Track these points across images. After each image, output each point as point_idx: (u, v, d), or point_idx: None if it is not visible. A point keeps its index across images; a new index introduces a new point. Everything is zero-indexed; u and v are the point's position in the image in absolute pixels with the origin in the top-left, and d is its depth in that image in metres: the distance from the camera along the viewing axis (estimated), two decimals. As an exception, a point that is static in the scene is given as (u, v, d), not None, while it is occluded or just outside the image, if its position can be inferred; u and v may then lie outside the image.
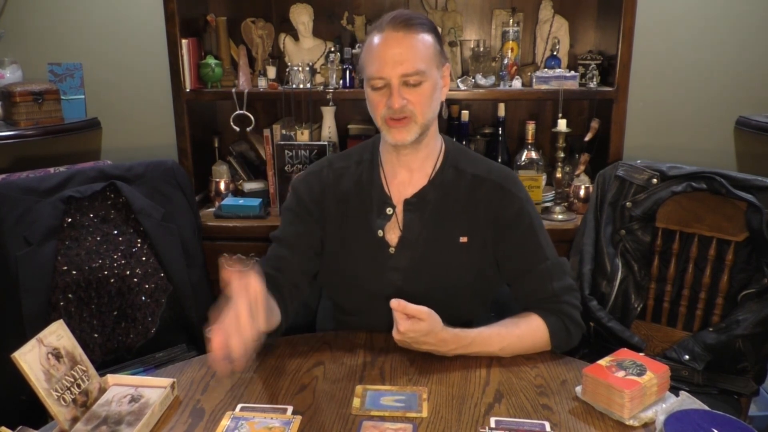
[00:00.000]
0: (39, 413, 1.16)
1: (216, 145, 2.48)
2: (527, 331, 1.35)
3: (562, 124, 2.19)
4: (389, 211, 1.43)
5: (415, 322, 1.24)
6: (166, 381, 1.20)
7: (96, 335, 1.90)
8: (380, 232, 1.43)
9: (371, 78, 1.34)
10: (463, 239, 1.42)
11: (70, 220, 1.89)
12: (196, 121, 2.37)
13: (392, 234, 1.43)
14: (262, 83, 2.31)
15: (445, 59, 1.39)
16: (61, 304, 1.86)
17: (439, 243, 1.42)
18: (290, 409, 1.15)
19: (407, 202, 1.43)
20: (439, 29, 2.39)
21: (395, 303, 1.23)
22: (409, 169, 1.44)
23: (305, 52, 2.42)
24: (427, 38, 1.34)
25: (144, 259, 1.97)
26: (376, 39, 1.34)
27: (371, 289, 1.43)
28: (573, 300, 1.40)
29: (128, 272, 1.94)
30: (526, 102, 2.49)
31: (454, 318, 1.31)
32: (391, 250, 1.43)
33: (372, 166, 1.47)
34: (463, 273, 1.43)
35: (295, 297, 1.42)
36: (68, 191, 1.87)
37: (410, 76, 1.31)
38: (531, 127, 2.24)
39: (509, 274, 1.44)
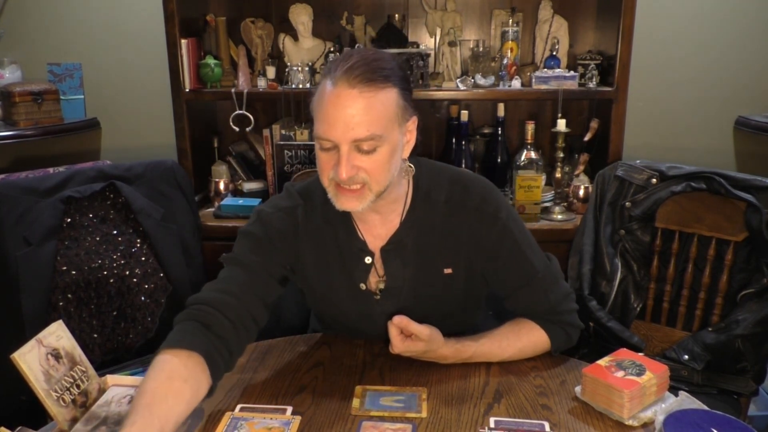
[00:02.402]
0: (38, 414, 1.16)
1: (215, 145, 2.48)
2: (528, 344, 1.33)
3: (561, 124, 2.19)
4: (368, 260, 1.33)
5: (412, 343, 1.24)
6: (165, 381, 1.19)
7: (95, 335, 1.90)
8: (363, 286, 1.34)
9: (318, 137, 1.18)
10: (448, 270, 1.35)
11: (69, 220, 1.89)
12: (196, 121, 2.37)
13: (375, 282, 1.35)
14: (261, 83, 2.31)
15: (411, 113, 1.24)
16: (61, 304, 1.86)
17: (423, 281, 1.35)
18: (290, 409, 1.15)
19: (384, 251, 1.33)
20: (439, 29, 2.42)
21: (398, 319, 1.21)
22: (378, 213, 1.32)
23: (305, 52, 2.42)
24: (389, 95, 1.17)
25: (143, 259, 1.97)
26: (328, 90, 1.16)
27: (361, 330, 1.40)
28: (571, 306, 1.38)
29: (128, 272, 1.94)
30: (525, 102, 2.49)
31: (448, 331, 1.29)
32: (377, 297, 1.36)
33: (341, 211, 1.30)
34: (452, 301, 1.39)
35: (250, 328, 1.26)
36: (68, 191, 1.87)
37: (364, 142, 1.15)
38: (530, 127, 2.24)
39: (502, 291, 1.39)
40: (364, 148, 1.16)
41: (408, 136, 1.25)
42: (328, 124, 1.15)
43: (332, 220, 1.34)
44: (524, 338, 1.33)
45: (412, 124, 1.26)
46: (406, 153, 1.27)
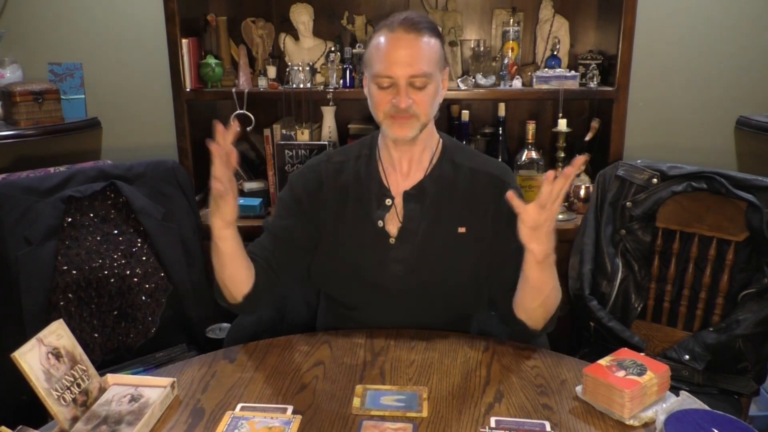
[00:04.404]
0: (39, 413, 1.16)
1: (216, 144, 2.48)
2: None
3: (562, 124, 2.19)
4: (388, 202, 1.46)
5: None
6: (166, 380, 1.20)
7: (96, 335, 1.91)
8: (380, 223, 1.45)
9: (378, 76, 1.36)
10: (462, 229, 1.45)
11: (70, 219, 1.89)
12: (197, 121, 2.37)
13: (392, 225, 1.46)
14: (262, 83, 2.31)
15: (446, 63, 1.44)
16: (61, 303, 1.86)
17: (439, 233, 1.45)
18: (290, 408, 1.15)
19: (407, 194, 1.46)
20: (440, 29, 2.41)
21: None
22: (408, 160, 1.47)
23: (305, 51, 2.42)
24: (434, 42, 1.38)
25: (144, 258, 1.97)
26: (386, 38, 1.36)
27: (372, 281, 1.45)
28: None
29: (128, 272, 1.94)
30: (526, 102, 2.49)
31: (454, 312, 1.33)
32: (392, 240, 1.45)
33: (370, 161, 1.50)
34: (463, 263, 1.45)
35: (272, 281, 1.43)
36: (68, 191, 1.87)
37: (417, 78, 1.34)
38: (531, 127, 2.24)
39: (497, 260, 1.43)
40: (417, 84, 1.35)
41: (444, 83, 1.44)
42: (390, 62, 1.34)
43: (361, 171, 1.50)
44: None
45: (446, 73, 1.45)
46: (441, 97, 1.44)
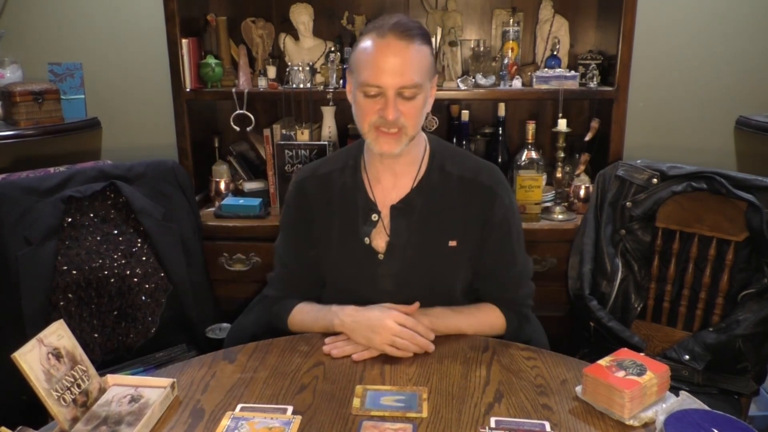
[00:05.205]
0: (39, 413, 1.16)
1: (216, 144, 2.48)
2: (486, 321, 1.43)
3: (562, 124, 2.19)
4: (374, 217, 1.41)
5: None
6: (166, 381, 1.20)
7: (96, 335, 1.91)
8: (366, 240, 1.41)
9: (366, 84, 1.29)
10: (453, 243, 1.40)
11: (70, 219, 1.89)
12: (197, 121, 2.37)
13: (379, 240, 1.42)
14: (262, 83, 2.31)
15: (435, 71, 1.39)
16: (61, 303, 1.86)
17: (428, 248, 1.40)
18: (290, 409, 1.15)
19: (394, 208, 1.41)
20: (439, 29, 2.41)
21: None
22: (393, 173, 1.42)
23: (305, 51, 2.42)
24: (425, 50, 1.31)
25: (144, 258, 1.97)
26: (375, 44, 1.28)
27: (364, 297, 1.41)
28: (531, 302, 1.49)
29: (128, 272, 1.94)
30: (526, 102, 2.49)
31: None
32: (380, 256, 1.41)
33: (356, 173, 1.45)
34: (455, 277, 1.43)
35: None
36: (68, 191, 1.87)
37: (407, 89, 1.28)
38: (531, 127, 2.23)
39: (480, 270, 1.46)
40: (406, 95, 1.28)
41: (432, 91, 1.38)
42: (378, 70, 1.26)
43: (347, 183, 1.45)
44: (483, 315, 1.43)
45: (435, 81, 1.40)
46: (429, 106, 1.39)
